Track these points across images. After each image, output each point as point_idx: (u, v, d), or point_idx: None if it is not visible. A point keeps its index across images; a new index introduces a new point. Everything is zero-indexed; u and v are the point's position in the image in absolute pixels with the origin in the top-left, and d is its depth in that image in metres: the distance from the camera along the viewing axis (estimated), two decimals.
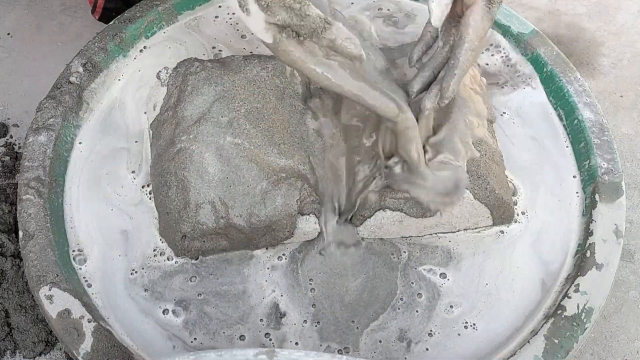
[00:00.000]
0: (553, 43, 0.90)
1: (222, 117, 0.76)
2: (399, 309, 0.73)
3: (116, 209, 0.78)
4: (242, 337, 0.71)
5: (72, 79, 0.84)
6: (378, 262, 0.75)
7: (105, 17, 0.98)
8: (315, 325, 0.72)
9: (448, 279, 0.74)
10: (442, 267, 0.75)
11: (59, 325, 0.68)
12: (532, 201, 0.80)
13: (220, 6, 0.96)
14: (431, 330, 0.71)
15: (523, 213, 0.79)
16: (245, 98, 0.78)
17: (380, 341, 0.71)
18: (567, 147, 0.84)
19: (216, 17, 0.94)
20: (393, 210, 0.73)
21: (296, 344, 0.70)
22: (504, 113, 0.86)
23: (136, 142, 0.83)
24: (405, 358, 0.70)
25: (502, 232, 0.77)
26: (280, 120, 0.77)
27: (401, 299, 0.73)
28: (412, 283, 0.74)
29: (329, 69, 0.66)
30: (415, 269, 0.75)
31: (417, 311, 0.72)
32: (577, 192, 0.80)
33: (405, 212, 0.73)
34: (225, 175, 0.73)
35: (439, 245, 0.77)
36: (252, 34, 0.65)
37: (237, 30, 0.94)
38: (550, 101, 0.87)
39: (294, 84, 0.80)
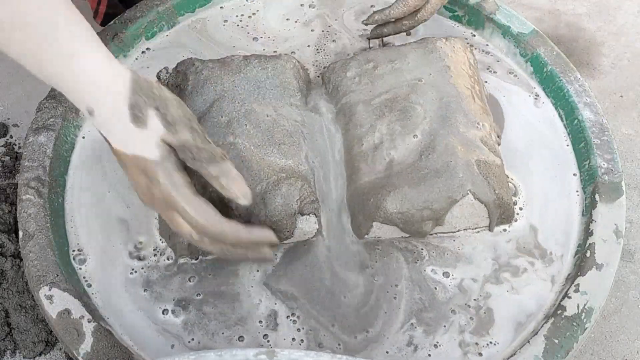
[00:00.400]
0: (553, 43, 0.90)
1: (222, 117, 0.76)
2: (400, 307, 0.73)
3: (116, 208, 0.78)
4: (241, 338, 0.71)
5: None
6: (379, 261, 0.75)
7: (107, 21, 0.98)
8: (313, 327, 0.72)
9: (454, 278, 0.74)
10: (445, 267, 0.75)
11: (59, 325, 0.68)
12: (532, 201, 0.80)
13: (222, 7, 0.96)
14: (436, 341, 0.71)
15: (522, 211, 0.78)
16: (245, 98, 0.78)
17: (383, 343, 0.71)
18: (567, 147, 0.84)
19: (225, 21, 0.94)
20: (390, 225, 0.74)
21: (293, 339, 0.70)
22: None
23: None
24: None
25: (504, 230, 0.77)
26: (280, 120, 0.77)
27: (403, 298, 0.73)
28: (415, 283, 0.74)
29: (192, 207, 0.63)
30: (417, 268, 0.75)
31: (418, 312, 0.72)
32: (577, 192, 0.80)
33: (400, 228, 0.74)
34: None
35: (440, 245, 0.77)
36: (114, 145, 0.62)
37: (248, 33, 0.94)
38: (551, 101, 0.87)
39: (294, 83, 0.80)
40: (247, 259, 0.68)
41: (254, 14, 0.96)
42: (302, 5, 0.97)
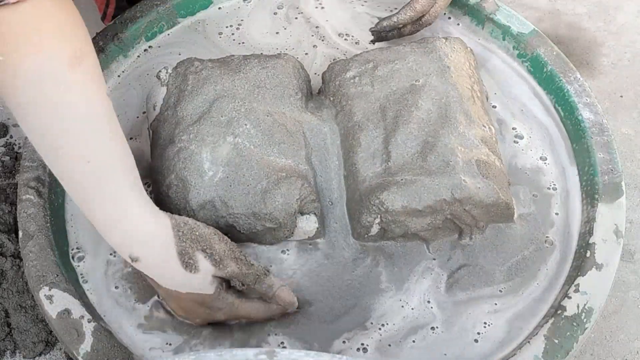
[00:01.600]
0: (553, 43, 0.90)
1: (222, 116, 0.76)
2: (402, 307, 0.73)
3: None
4: (242, 335, 0.71)
5: None
6: (379, 260, 0.76)
7: None
8: (314, 325, 0.72)
9: (454, 278, 0.74)
10: (447, 266, 0.75)
11: (59, 325, 0.68)
12: (532, 201, 0.80)
13: (220, 8, 0.96)
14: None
15: (523, 213, 0.79)
16: (245, 98, 0.78)
17: (380, 340, 0.71)
18: (567, 147, 0.84)
19: (220, 33, 0.94)
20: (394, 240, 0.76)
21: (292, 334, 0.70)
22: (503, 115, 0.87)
23: (136, 142, 0.83)
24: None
25: (505, 229, 0.77)
26: (280, 119, 0.77)
27: (404, 297, 0.73)
28: (417, 281, 0.74)
29: (250, 312, 0.69)
30: (418, 270, 0.75)
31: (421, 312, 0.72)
32: (577, 192, 0.80)
33: (400, 228, 0.74)
34: (225, 175, 0.73)
35: (442, 246, 0.77)
36: (173, 284, 0.65)
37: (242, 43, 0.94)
38: (550, 99, 0.87)
39: (295, 83, 0.80)
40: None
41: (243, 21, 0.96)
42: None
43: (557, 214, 0.79)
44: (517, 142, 0.84)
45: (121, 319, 0.71)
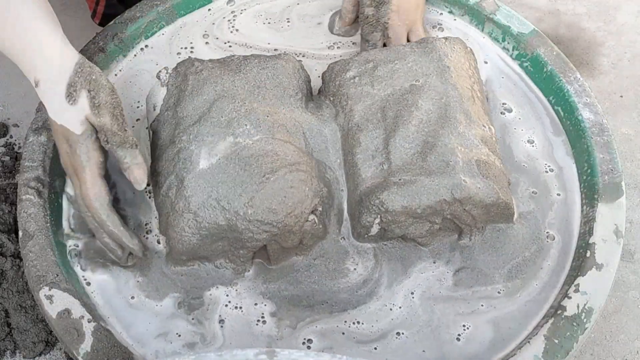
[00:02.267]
0: (553, 43, 0.90)
1: (222, 117, 0.76)
2: (400, 307, 0.73)
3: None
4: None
5: None
6: (378, 261, 0.76)
7: (106, 22, 0.98)
8: (314, 326, 0.72)
9: (453, 278, 0.74)
10: (446, 266, 0.75)
11: (59, 325, 0.68)
12: (532, 201, 0.80)
13: (209, 9, 0.96)
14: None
15: (523, 213, 0.79)
16: (245, 98, 0.78)
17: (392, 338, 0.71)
18: (567, 147, 0.84)
19: (207, 43, 0.94)
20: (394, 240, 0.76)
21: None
22: (503, 113, 0.86)
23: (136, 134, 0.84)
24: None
25: (504, 229, 0.77)
26: (280, 120, 0.77)
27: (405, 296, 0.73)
28: (416, 281, 0.74)
29: (90, 182, 0.72)
30: (416, 270, 0.75)
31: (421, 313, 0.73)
32: (577, 192, 0.80)
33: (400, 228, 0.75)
34: (226, 175, 0.73)
35: (441, 247, 0.77)
36: (54, 119, 0.71)
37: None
38: (550, 100, 0.88)
39: (295, 83, 0.80)
40: (107, 251, 0.75)
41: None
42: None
43: (557, 214, 0.79)
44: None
45: (124, 319, 0.71)
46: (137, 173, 0.73)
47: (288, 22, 0.95)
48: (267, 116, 0.76)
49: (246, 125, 0.75)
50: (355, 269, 0.75)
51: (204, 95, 0.77)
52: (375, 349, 0.70)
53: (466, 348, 0.70)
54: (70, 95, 0.70)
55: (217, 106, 0.77)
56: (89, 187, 0.71)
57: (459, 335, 0.71)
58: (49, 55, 0.70)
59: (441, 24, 0.94)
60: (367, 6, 0.87)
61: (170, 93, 0.79)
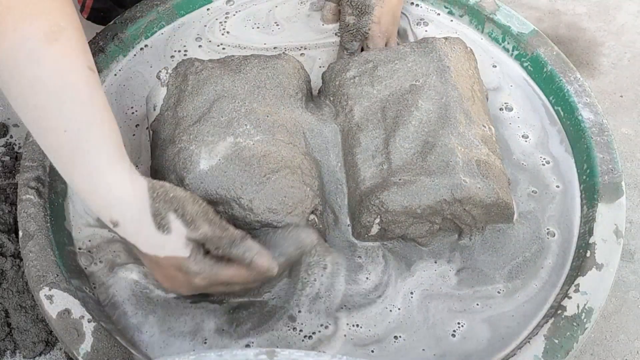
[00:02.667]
0: (553, 43, 0.90)
1: (222, 117, 0.76)
2: (398, 308, 0.73)
3: None
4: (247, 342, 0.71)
5: None
6: (378, 260, 0.76)
7: (93, 16, 0.98)
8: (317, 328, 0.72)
9: (452, 278, 0.74)
10: (445, 266, 0.75)
11: (59, 325, 0.68)
12: (532, 201, 0.80)
13: (208, 9, 0.96)
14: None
15: (522, 212, 0.79)
16: (245, 98, 0.78)
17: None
18: (566, 147, 0.84)
19: (200, 46, 0.94)
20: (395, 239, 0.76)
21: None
22: (502, 109, 0.86)
23: (136, 141, 0.83)
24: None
25: (504, 229, 0.77)
26: (280, 120, 0.77)
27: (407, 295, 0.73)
28: (416, 281, 0.74)
29: (230, 276, 0.68)
30: (415, 271, 0.75)
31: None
32: (576, 192, 0.80)
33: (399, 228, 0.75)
34: (225, 175, 0.73)
35: (440, 247, 0.77)
36: (156, 254, 0.66)
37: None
38: (550, 100, 0.88)
39: (295, 83, 0.80)
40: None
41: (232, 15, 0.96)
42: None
43: (556, 214, 0.79)
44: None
45: (125, 318, 0.71)
46: (262, 262, 0.67)
47: (277, 24, 0.96)
48: (267, 116, 0.76)
49: (246, 125, 0.75)
50: (353, 270, 0.75)
51: (204, 95, 0.77)
52: (372, 351, 0.70)
53: (465, 348, 0.70)
54: (161, 225, 0.65)
55: (217, 106, 0.77)
56: (237, 280, 0.68)
57: (454, 332, 0.71)
58: (123, 194, 0.65)
59: (438, 22, 0.94)
60: (348, 14, 0.87)
61: (170, 93, 0.80)
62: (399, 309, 0.73)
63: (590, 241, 0.74)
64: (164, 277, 0.69)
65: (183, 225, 0.65)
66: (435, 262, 0.76)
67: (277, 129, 0.76)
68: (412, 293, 0.74)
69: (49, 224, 0.74)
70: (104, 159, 0.64)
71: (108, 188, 0.64)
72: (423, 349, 0.70)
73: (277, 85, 0.79)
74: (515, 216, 0.78)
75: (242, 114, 0.76)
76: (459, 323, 0.72)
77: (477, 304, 0.73)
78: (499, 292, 0.74)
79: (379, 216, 0.73)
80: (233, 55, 0.83)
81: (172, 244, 0.65)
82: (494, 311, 0.73)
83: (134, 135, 0.85)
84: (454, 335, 0.71)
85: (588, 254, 0.73)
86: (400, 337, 0.71)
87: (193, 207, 0.66)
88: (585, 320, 0.69)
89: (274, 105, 0.78)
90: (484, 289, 0.74)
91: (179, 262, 0.66)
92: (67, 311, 0.68)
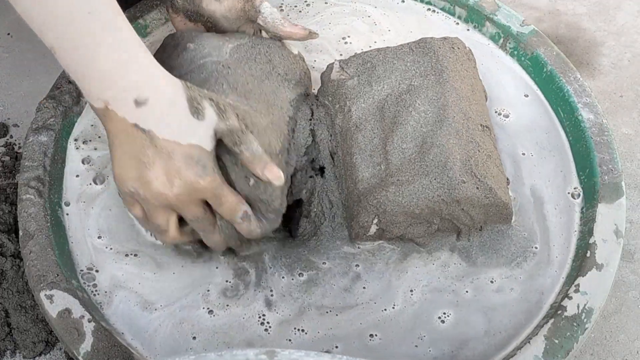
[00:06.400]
0: (553, 43, 0.90)
1: (202, 73, 0.72)
2: (396, 306, 0.73)
3: (116, 208, 0.78)
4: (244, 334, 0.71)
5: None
6: (376, 260, 0.76)
7: None
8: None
9: (452, 278, 0.75)
10: (443, 267, 0.75)
11: (59, 325, 0.68)
12: (532, 202, 0.80)
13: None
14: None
15: (522, 213, 0.79)
16: (230, 64, 0.74)
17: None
18: (566, 147, 0.84)
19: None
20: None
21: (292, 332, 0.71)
22: (502, 110, 0.87)
23: None
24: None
25: (503, 229, 0.77)
26: (259, 90, 0.75)
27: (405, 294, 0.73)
28: (415, 281, 0.74)
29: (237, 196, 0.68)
30: (415, 271, 0.75)
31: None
32: (576, 193, 0.80)
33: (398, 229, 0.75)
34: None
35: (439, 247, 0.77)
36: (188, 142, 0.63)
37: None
38: (550, 100, 0.88)
39: (286, 65, 0.78)
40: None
41: None
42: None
43: (556, 214, 0.79)
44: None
45: (125, 318, 0.71)
46: (272, 168, 0.68)
47: None
48: (247, 84, 0.74)
49: (223, 84, 0.73)
50: (351, 270, 0.75)
51: (190, 53, 0.76)
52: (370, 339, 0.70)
53: (464, 348, 0.70)
54: (196, 110, 0.63)
55: (200, 64, 0.74)
56: (234, 197, 0.67)
57: (453, 331, 0.71)
58: (157, 73, 0.63)
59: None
60: None
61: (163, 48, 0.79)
62: (397, 307, 0.72)
63: (590, 241, 0.74)
64: (165, 175, 0.64)
65: (215, 114, 0.64)
66: (434, 263, 0.76)
67: (254, 97, 0.73)
68: (412, 291, 0.74)
69: (49, 224, 0.74)
70: (136, 41, 0.63)
71: (143, 64, 0.62)
72: (416, 346, 0.70)
73: (268, 62, 0.77)
74: (514, 216, 0.78)
75: (223, 74, 0.74)
76: (457, 323, 0.72)
77: (477, 304, 0.73)
78: (498, 293, 0.74)
79: (377, 216, 0.73)
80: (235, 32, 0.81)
81: (202, 131, 0.63)
82: (493, 311, 0.73)
83: None
84: (449, 329, 0.71)
85: (588, 254, 0.73)
86: (395, 334, 0.71)
87: (224, 100, 0.66)
88: (585, 320, 0.69)
89: (259, 77, 0.76)
90: (483, 289, 0.74)
91: (200, 154, 0.64)
92: (68, 311, 0.68)
